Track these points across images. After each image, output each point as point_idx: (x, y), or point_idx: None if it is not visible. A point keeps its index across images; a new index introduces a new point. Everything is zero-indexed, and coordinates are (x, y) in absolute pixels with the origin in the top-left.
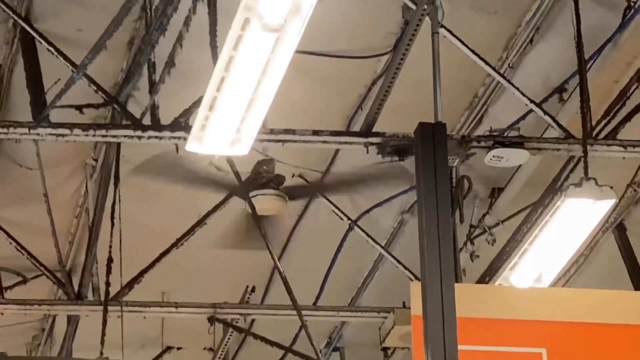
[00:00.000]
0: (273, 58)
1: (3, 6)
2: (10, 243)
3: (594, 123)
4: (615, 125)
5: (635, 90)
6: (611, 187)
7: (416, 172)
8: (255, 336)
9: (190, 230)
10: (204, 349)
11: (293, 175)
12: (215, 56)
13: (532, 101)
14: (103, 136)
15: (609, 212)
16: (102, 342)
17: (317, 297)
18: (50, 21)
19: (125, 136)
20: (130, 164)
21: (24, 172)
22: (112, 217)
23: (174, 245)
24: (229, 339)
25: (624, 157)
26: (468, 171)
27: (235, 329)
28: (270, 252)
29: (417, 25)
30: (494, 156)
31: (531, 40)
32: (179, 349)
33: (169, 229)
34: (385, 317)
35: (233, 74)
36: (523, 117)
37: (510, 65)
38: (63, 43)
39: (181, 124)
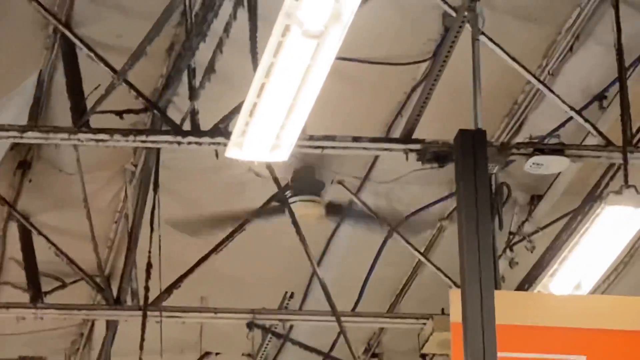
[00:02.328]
0: (313, 64)
1: (44, 12)
2: (50, 248)
3: (634, 130)
4: None
5: None
6: None
7: (456, 179)
8: (294, 342)
9: (229, 236)
10: (243, 354)
11: (332, 182)
12: (255, 62)
13: (572, 108)
14: (143, 141)
15: None
16: (141, 347)
17: (356, 304)
18: (90, 27)
19: (165, 142)
20: (170, 170)
21: (63, 178)
22: (152, 223)
23: (213, 250)
24: (267, 344)
25: None
26: (507, 178)
27: (273, 334)
28: (309, 258)
29: (458, 32)
30: (533, 163)
31: (571, 48)
32: (217, 354)
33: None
34: (424, 324)
35: (273, 80)
36: (563, 125)
37: (550, 73)
38: (103, 49)
39: (221, 130)
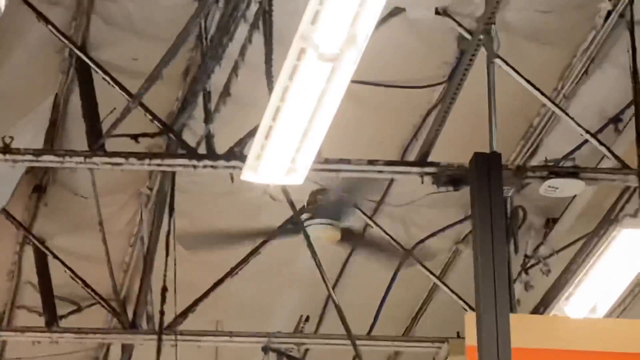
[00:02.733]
0: (328, 88)
1: (60, 35)
2: (65, 271)
3: None
4: None
5: None
6: None
7: (471, 202)
8: None
9: (245, 260)
10: None
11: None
12: (270, 85)
13: (587, 131)
14: (158, 165)
15: None
16: None
17: (371, 327)
18: (106, 50)
19: (180, 165)
20: (185, 193)
21: (79, 201)
22: (167, 246)
23: (229, 274)
24: None
25: None
26: (523, 201)
27: (289, 358)
28: (325, 281)
29: (473, 55)
30: (549, 186)
31: (586, 71)
32: None
33: (223, 258)
34: (440, 347)
35: (289, 104)
36: (578, 148)
37: (566, 95)
38: (119, 72)
39: (236, 153)
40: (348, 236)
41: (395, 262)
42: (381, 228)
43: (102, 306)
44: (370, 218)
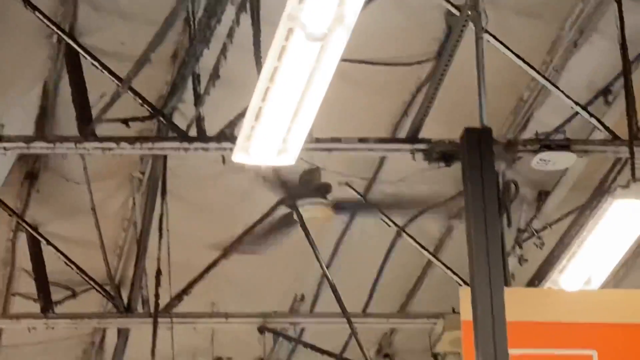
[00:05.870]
0: (318, 67)
1: (47, 22)
2: (59, 257)
3: None
4: None
5: None
6: None
7: (463, 178)
8: (305, 345)
9: (238, 241)
10: (254, 358)
11: (340, 184)
12: (259, 67)
13: (577, 104)
14: (149, 149)
15: None
16: (153, 354)
17: (366, 305)
18: (94, 36)
19: (171, 148)
20: (177, 176)
21: (71, 187)
22: (160, 230)
23: (222, 255)
24: (279, 348)
25: None
26: (515, 175)
27: (285, 338)
28: (319, 260)
29: (461, 31)
30: (540, 160)
31: (575, 43)
32: (229, 359)
33: (216, 240)
34: (435, 323)
35: (278, 84)
36: (569, 120)
37: (555, 69)
38: (107, 57)
39: (227, 135)
40: (342, 208)
41: (402, 216)
42: (374, 205)
43: (97, 291)
44: (362, 196)
